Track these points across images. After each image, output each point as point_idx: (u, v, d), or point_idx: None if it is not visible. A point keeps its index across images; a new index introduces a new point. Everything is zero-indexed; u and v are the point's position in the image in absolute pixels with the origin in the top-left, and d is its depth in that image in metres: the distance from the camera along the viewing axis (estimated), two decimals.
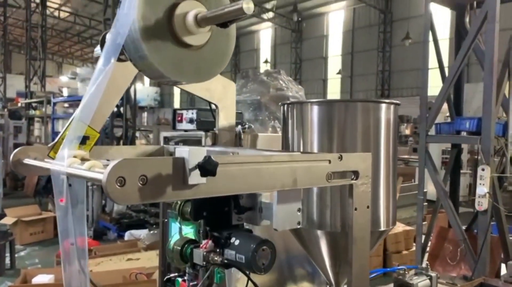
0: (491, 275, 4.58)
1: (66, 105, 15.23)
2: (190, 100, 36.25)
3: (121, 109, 10.34)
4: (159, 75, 1.65)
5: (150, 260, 5.94)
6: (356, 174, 1.68)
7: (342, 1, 27.80)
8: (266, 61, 31.35)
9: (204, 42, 1.65)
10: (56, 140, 1.85)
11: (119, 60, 1.62)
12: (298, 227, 1.71)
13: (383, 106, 2.26)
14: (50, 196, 11.04)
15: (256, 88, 5.76)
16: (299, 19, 27.92)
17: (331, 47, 30.24)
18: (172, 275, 2.43)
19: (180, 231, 2.02)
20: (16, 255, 7.20)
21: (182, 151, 1.26)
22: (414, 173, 11.83)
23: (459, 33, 5.52)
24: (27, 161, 1.75)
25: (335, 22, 29.78)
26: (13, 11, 26.86)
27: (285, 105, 2.44)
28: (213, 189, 1.31)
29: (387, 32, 26.76)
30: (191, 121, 3.01)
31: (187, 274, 2.11)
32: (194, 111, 3.00)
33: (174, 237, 1.95)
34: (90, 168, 1.34)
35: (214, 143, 2.41)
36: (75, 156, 1.55)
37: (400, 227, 6.79)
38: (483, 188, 4.36)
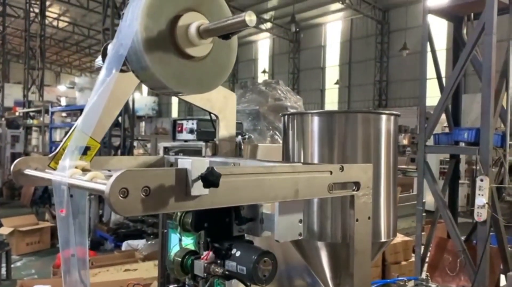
0: (491, 286, 4.57)
1: (64, 114, 15.20)
2: (188, 109, 36.28)
3: (119, 118, 10.33)
4: (161, 86, 1.65)
5: (147, 271, 5.90)
6: (357, 185, 1.69)
7: (340, 12, 28.01)
8: (264, 71, 31.45)
9: (206, 54, 1.66)
10: (57, 150, 1.85)
11: (120, 71, 1.63)
12: (300, 238, 1.71)
13: (384, 117, 2.27)
14: (47, 206, 11.00)
15: (255, 98, 5.78)
16: (297, 29, 28.08)
17: (328, 57, 30.40)
18: (171, 286, 2.42)
19: (180, 242, 2.02)
20: (12, 266, 7.15)
21: (185, 162, 1.25)
22: (412, 183, 11.84)
23: (456, 44, 5.56)
24: (28, 171, 1.75)
25: (333, 33, 29.97)
26: (12, 21, 26.98)
27: (286, 116, 2.44)
28: (215, 200, 1.31)
29: (385, 43, 26.94)
30: (191, 131, 3.01)
31: (186, 286, 2.10)
32: (195, 121, 3.00)
33: (174, 248, 1.94)
34: (92, 179, 1.34)
35: (214, 154, 2.42)
36: (76, 167, 1.55)
37: (399, 238, 6.76)
38: (482, 199, 4.35)
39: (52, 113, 13.39)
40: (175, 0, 1.57)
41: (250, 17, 1.41)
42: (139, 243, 7.83)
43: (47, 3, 22.83)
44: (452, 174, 5.56)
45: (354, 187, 1.69)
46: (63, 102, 13.59)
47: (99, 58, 1.97)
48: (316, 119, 2.27)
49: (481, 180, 4.36)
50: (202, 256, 1.70)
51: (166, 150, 3.12)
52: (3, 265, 6.85)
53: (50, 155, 1.85)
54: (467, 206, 11.90)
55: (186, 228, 1.86)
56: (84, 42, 37.62)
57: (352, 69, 28.77)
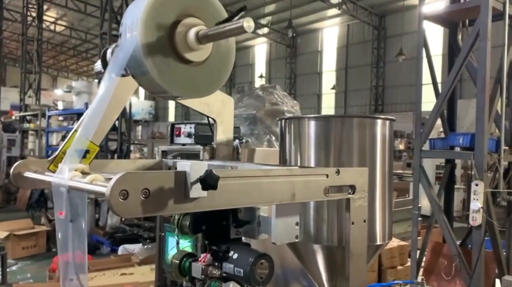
0: None
1: (60, 118, 15.20)
2: (185, 114, 36.29)
3: (116, 122, 10.34)
4: (160, 91, 1.67)
5: (144, 275, 5.90)
6: (353, 188, 1.71)
7: (336, 17, 28.17)
8: (261, 76, 31.53)
9: (205, 59, 1.69)
10: (56, 154, 1.87)
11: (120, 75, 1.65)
12: (296, 241, 1.73)
13: (379, 121, 2.30)
14: (43, 210, 10.96)
15: (252, 102, 5.81)
16: (294, 34, 28.20)
17: (325, 62, 30.53)
18: None
19: (178, 244, 2.03)
20: (7, 270, 7.11)
21: (184, 165, 1.28)
22: (409, 188, 11.88)
23: (451, 50, 5.61)
24: (28, 174, 1.77)
25: (330, 38, 30.12)
26: (9, 24, 26.97)
27: (283, 120, 2.47)
28: (213, 203, 1.33)
29: (381, 48, 27.09)
30: (189, 135, 3.03)
31: None
32: (192, 125, 3.02)
33: (172, 251, 1.96)
34: (92, 181, 1.36)
35: (212, 157, 2.44)
36: (75, 170, 1.57)
37: (395, 242, 6.79)
38: (477, 203, 4.38)
39: (49, 117, 13.39)
40: (174, 6, 1.59)
41: (248, 23, 1.44)
42: (135, 247, 7.82)
43: (45, 7, 22.90)
44: (448, 179, 5.59)
45: (349, 191, 1.71)
46: (60, 106, 13.61)
47: (98, 62, 1.99)
48: (312, 124, 2.30)
49: (476, 185, 4.40)
50: (199, 258, 1.72)
51: (164, 153, 3.14)
52: None
53: (50, 158, 1.87)
54: (463, 211, 11.95)
55: (184, 230, 1.88)
56: (81, 46, 37.64)
57: (349, 74, 28.89)
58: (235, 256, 1.63)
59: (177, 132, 3.18)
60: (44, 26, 22.84)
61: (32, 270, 7.63)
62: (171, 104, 40.46)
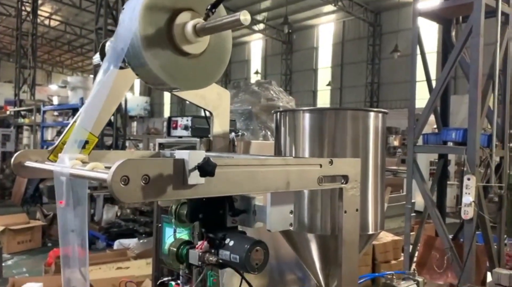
0: (477, 283, 4.67)
1: (55, 113, 15.16)
2: (180, 110, 36.23)
3: (112, 118, 10.33)
4: (158, 82, 1.71)
5: (139, 268, 5.94)
6: (345, 178, 1.77)
7: (332, 14, 28.20)
8: (256, 72, 31.53)
9: (202, 51, 1.73)
10: (55, 144, 1.90)
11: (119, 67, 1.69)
12: (291, 228, 1.78)
13: (372, 114, 2.35)
14: (38, 205, 10.96)
15: (248, 98, 5.85)
16: (290, 31, 28.22)
17: (321, 59, 30.57)
18: (165, 279, 2.48)
19: (175, 233, 2.08)
20: (3, 264, 7.13)
21: (182, 153, 1.32)
22: (403, 184, 11.96)
23: (445, 46, 5.67)
24: (29, 163, 1.80)
25: (325, 35, 30.15)
26: (3, 19, 26.80)
27: (278, 113, 2.52)
28: (211, 190, 1.37)
29: (376, 45, 27.17)
30: (186, 127, 3.07)
31: (180, 277, 2.17)
32: (189, 118, 3.07)
33: (169, 240, 2.00)
34: (93, 169, 1.40)
35: (208, 150, 2.48)
36: (75, 159, 1.60)
37: (388, 237, 6.87)
38: (468, 197, 4.45)
39: (44, 112, 13.37)
40: None
41: (244, 16, 1.48)
42: (131, 242, 7.85)
43: (39, 1, 22.76)
44: (441, 174, 5.66)
45: (342, 180, 1.76)
46: (55, 101, 13.57)
47: (97, 55, 2.03)
48: (307, 116, 2.34)
49: (468, 179, 4.47)
50: (197, 246, 1.77)
51: (161, 146, 3.18)
52: None
53: (50, 149, 1.90)
54: (456, 207, 12.05)
55: (181, 219, 1.93)
56: (76, 41, 37.43)
57: (344, 70, 28.97)
58: (231, 243, 1.68)
59: (174, 125, 3.22)
60: (38, 21, 22.73)
61: (28, 265, 7.65)
62: (167, 100, 40.38)
